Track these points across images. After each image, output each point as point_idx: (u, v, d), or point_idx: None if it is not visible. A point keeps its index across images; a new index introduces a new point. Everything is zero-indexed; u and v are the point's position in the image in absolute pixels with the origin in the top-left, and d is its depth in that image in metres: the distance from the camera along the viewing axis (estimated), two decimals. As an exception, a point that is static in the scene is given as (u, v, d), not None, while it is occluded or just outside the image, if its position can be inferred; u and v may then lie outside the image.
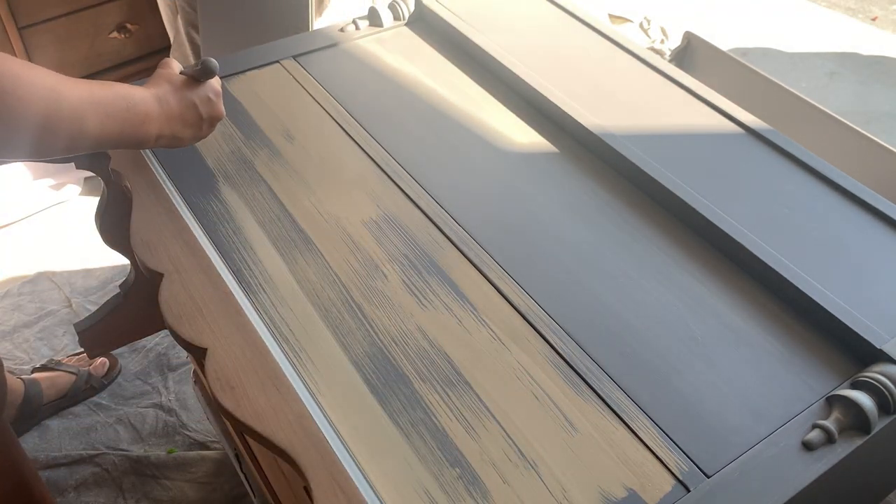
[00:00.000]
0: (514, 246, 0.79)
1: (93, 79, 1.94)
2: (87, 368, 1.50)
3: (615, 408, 0.65)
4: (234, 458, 1.19)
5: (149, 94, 0.74)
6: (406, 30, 1.10)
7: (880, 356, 0.67)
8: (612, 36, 1.07)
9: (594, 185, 0.87)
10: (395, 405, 0.65)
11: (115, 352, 1.56)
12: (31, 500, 1.12)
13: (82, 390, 1.48)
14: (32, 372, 1.48)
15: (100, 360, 1.52)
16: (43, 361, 1.53)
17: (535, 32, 1.08)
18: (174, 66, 0.80)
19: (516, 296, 0.74)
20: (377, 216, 0.82)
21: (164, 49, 1.85)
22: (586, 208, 0.84)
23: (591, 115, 0.92)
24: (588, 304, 0.74)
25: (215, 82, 0.81)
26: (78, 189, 1.92)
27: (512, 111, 0.97)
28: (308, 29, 1.46)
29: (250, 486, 1.16)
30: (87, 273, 1.76)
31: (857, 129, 1.16)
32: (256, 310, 0.72)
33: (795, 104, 1.23)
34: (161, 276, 0.73)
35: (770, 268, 0.75)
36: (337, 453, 0.60)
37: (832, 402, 0.65)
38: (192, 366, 1.34)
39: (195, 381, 1.31)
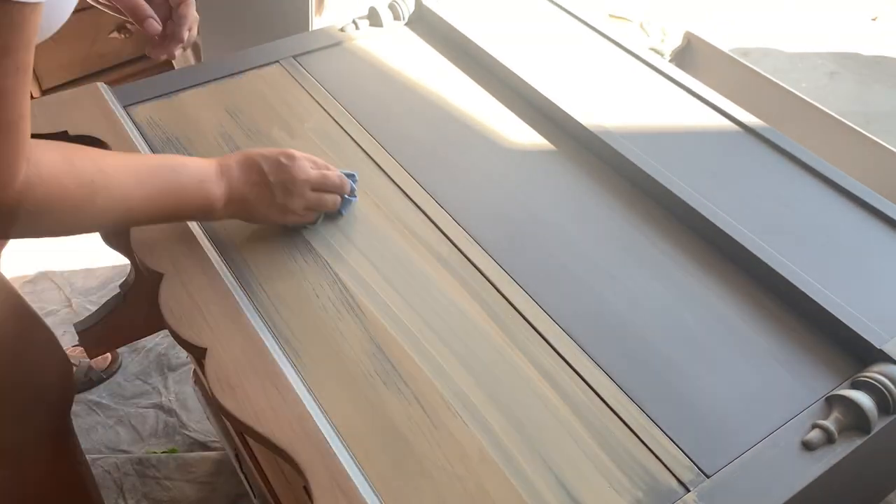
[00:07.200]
0: (514, 246, 0.79)
1: (92, 78, 1.92)
2: (87, 361, 1.49)
3: (615, 408, 0.65)
4: (234, 458, 1.19)
5: (205, 161, 0.72)
6: (406, 30, 1.10)
7: (880, 356, 0.67)
8: (612, 36, 1.07)
9: (594, 185, 0.87)
10: (395, 405, 0.65)
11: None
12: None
13: (81, 382, 1.47)
14: None
15: None
16: None
17: (535, 32, 1.08)
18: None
19: (516, 296, 0.74)
20: (377, 216, 0.82)
21: (164, 49, 1.85)
22: (586, 208, 0.84)
23: (591, 115, 0.92)
24: (588, 304, 0.74)
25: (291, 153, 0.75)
26: (78, 189, 1.92)
27: (512, 111, 0.97)
28: (308, 29, 1.46)
29: (250, 486, 1.16)
30: (87, 273, 1.76)
31: (857, 129, 1.16)
32: (256, 310, 0.72)
33: (795, 104, 1.23)
34: (161, 276, 0.73)
35: (770, 268, 0.75)
36: (337, 453, 0.60)
37: (832, 402, 0.65)
38: (192, 366, 1.35)
39: (195, 381, 1.31)
